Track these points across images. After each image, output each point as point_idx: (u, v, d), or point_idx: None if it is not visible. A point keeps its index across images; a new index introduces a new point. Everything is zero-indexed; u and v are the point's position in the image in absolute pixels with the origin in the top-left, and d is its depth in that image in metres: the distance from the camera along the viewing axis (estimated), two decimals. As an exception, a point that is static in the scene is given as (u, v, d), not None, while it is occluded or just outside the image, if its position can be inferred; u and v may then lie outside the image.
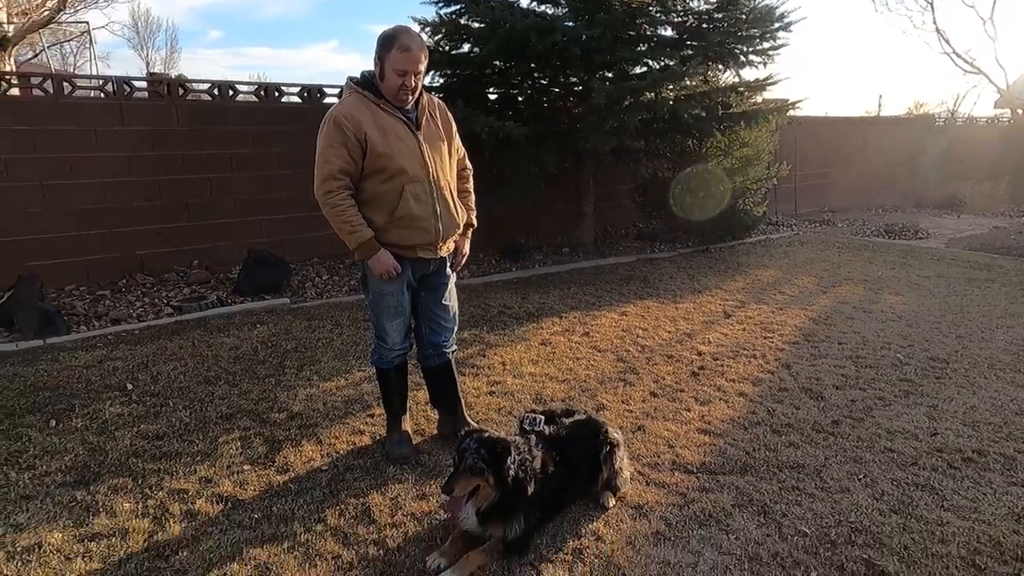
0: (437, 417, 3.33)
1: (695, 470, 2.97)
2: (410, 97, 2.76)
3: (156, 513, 2.61)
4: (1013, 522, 2.60)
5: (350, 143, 2.68)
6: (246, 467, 2.96)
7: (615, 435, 2.78)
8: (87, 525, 2.52)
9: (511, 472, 2.32)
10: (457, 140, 3.05)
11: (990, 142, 15.47)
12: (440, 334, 3.11)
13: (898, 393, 3.85)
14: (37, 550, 2.37)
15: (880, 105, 19.55)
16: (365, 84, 2.79)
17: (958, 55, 16.47)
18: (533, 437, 2.56)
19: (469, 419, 3.27)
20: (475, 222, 3.15)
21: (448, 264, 3.05)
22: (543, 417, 2.73)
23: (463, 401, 3.29)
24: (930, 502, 2.74)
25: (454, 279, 3.14)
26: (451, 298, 3.11)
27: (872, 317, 5.39)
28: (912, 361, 4.37)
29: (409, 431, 3.18)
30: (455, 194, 2.97)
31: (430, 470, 2.95)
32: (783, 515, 2.63)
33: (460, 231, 3.03)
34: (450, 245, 2.99)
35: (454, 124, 3.03)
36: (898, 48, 47.43)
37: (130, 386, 3.86)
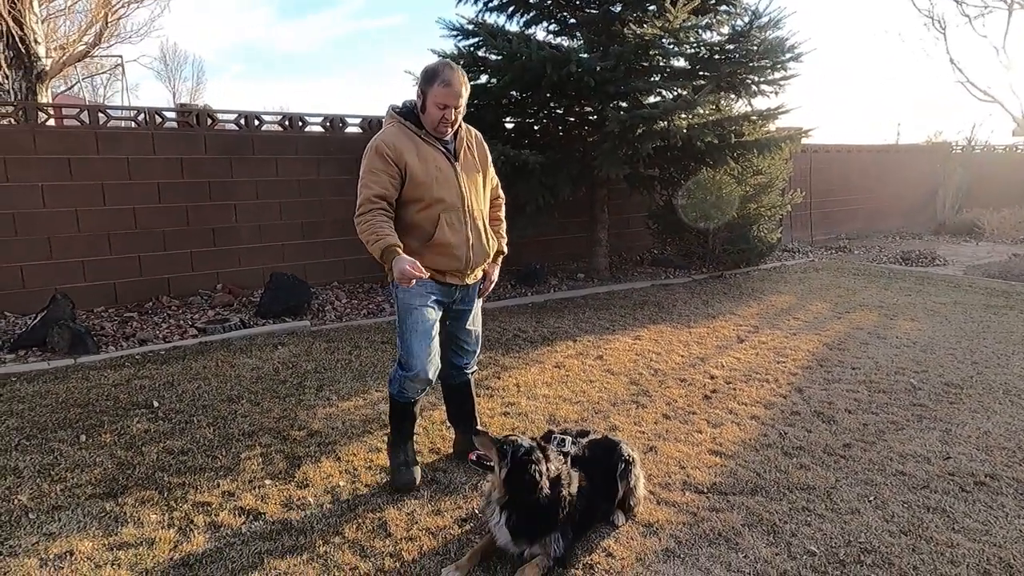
0: (453, 436, 3.40)
1: (706, 490, 3.02)
2: (449, 130, 2.87)
3: (181, 524, 2.71)
4: (1024, 545, 2.60)
5: (391, 170, 2.77)
6: (267, 482, 3.06)
7: (631, 452, 2.84)
8: (116, 535, 2.63)
9: (533, 495, 2.38)
10: (492, 171, 3.16)
11: (1009, 170, 15.41)
12: (463, 357, 3.19)
13: (911, 417, 3.86)
14: (68, 557, 2.47)
15: (899, 133, 19.56)
16: (406, 114, 2.89)
17: (973, 84, 16.49)
18: (567, 459, 2.62)
19: None
20: (505, 249, 3.23)
21: (476, 290, 3.12)
22: (570, 438, 2.80)
23: (478, 421, 3.36)
24: (941, 524, 2.75)
25: (480, 304, 3.21)
26: (476, 322, 3.18)
27: (886, 343, 5.40)
28: (926, 386, 4.38)
29: (413, 454, 3.14)
30: (487, 223, 3.06)
31: (445, 487, 3.03)
32: (792, 535, 2.66)
33: (490, 259, 3.12)
34: (478, 273, 3.07)
35: (489, 155, 3.14)
36: (917, 77, 47.43)
37: (156, 404, 3.99)
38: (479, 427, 2.66)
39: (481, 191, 3.03)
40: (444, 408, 3.46)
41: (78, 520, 2.72)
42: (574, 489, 2.51)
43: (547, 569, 2.40)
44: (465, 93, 2.84)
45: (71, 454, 3.31)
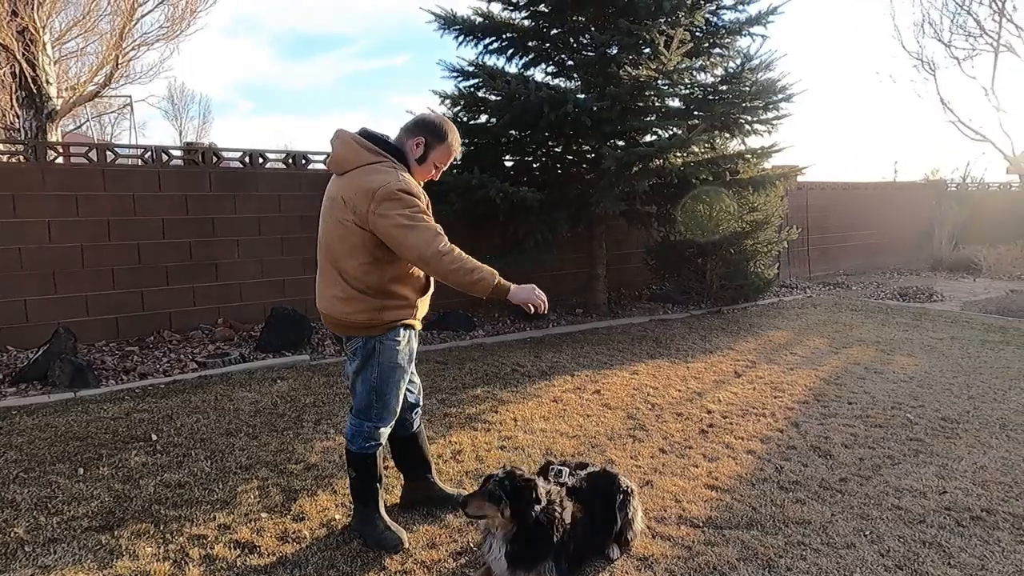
0: (448, 468, 3.40)
1: (701, 524, 3.02)
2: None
3: (176, 557, 2.71)
4: (1020, 579, 2.60)
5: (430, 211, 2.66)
6: (263, 515, 3.06)
7: (629, 484, 2.85)
8: (110, 567, 2.63)
9: (535, 511, 2.41)
10: None
11: (1004, 207, 15.59)
12: (412, 390, 3.09)
13: (907, 452, 3.87)
14: (63, 590, 2.47)
15: (896, 171, 19.82)
16: (400, 157, 2.72)
17: (963, 123, 16.78)
18: (563, 488, 2.63)
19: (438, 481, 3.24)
20: None
21: None
22: (567, 469, 2.82)
23: (432, 466, 3.24)
24: (936, 559, 2.75)
25: None
26: None
27: (883, 378, 5.42)
28: (922, 421, 4.39)
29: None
30: None
31: (439, 520, 3.03)
32: (787, 569, 2.66)
33: None
34: None
35: None
36: (912, 116, 48.32)
37: (155, 437, 4.00)
38: (459, 498, 2.59)
39: None
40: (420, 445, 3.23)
41: (73, 553, 2.73)
42: (567, 515, 2.51)
43: None
44: None
45: (69, 487, 3.32)
